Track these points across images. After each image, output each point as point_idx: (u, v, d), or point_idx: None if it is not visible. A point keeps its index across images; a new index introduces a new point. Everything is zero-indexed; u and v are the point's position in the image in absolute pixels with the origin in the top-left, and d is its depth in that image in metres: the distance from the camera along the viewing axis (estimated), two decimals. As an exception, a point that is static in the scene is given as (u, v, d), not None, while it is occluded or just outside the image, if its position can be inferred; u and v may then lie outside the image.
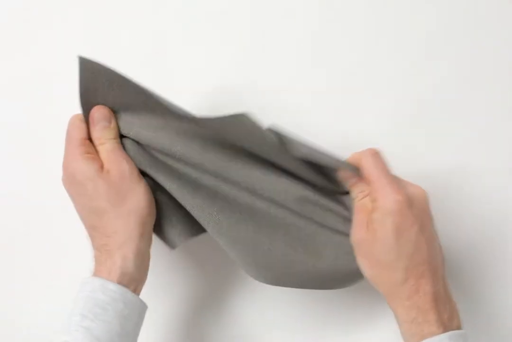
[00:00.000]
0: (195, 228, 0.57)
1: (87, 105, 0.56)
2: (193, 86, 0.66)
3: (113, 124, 0.56)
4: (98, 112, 0.56)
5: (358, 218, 0.54)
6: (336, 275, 0.57)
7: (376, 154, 0.54)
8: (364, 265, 0.53)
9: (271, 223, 0.56)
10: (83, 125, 0.56)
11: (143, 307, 0.53)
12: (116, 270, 0.51)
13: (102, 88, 0.55)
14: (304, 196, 0.56)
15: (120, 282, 0.50)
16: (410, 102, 0.66)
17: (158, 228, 0.56)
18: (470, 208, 0.66)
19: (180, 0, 0.67)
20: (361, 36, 0.67)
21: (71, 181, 0.54)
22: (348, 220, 0.56)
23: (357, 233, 0.53)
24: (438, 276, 0.53)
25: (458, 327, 0.52)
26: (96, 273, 0.52)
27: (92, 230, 0.54)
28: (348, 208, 0.57)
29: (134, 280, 0.52)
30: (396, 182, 0.53)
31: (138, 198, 0.54)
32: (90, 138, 0.56)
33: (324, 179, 0.56)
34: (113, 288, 0.49)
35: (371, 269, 0.53)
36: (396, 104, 0.66)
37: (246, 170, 0.57)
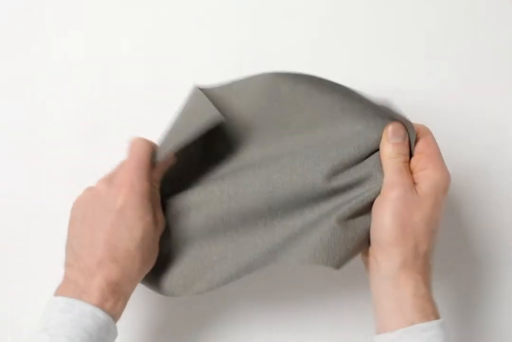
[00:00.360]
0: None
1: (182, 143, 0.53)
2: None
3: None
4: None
5: (402, 178, 0.52)
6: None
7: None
8: (392, 226, 0.51)
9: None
10: (150, 156, 0.54)
11: (116, 336, 0.53)
12: (118, 308, 0.52)
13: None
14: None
15: (111, 315, 0.51)
16: (410, 103, 0.66)
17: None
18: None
19: (180, 0, 0.67)
20: (361, 36, 0.67)
21: (117, 209, 0.51)
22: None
23: (400, 192, 0.51)
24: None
25: None
26: (99, 305, 0.50)
27: (111, 260, 0.51)
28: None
29: (119, 316, 0.53)
30: None
31: (155, 257, 0.54)
32: None
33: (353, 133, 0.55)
34: (102, 317, 0.50)
35: (400, 233, 0.50)
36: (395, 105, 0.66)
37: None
